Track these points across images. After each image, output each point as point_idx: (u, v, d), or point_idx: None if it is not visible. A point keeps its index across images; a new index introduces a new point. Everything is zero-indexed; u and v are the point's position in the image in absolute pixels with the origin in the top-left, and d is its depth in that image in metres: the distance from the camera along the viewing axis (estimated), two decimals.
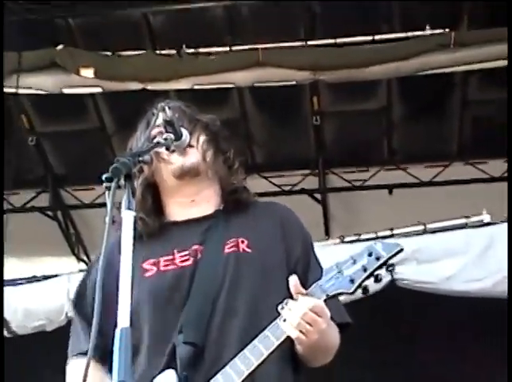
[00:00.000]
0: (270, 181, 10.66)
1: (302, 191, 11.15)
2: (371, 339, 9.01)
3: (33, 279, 9.82)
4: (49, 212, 11.78)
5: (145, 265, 3.19)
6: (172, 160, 3.31)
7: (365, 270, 2.96)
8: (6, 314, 9.26)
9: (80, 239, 12.01)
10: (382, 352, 9.65)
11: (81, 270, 10.48)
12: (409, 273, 8.50)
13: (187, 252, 3.27)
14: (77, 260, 11.93)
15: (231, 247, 3.28)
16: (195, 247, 3.28)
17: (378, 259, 2.97)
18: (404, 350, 9.67)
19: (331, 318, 3.11)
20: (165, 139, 3.11)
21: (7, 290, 9.55)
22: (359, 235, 9.12)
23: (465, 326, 9.27)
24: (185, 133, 3.24)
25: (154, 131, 3.23)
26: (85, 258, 11.94)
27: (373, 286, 3.11)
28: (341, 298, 3.26)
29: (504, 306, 8.41)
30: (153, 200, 3.41)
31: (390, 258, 2.98)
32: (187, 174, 3.35)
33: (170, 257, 3.27)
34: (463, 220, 9.02)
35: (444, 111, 10.61)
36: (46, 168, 11.39)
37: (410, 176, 11.17)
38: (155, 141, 3.12)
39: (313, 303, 2.95)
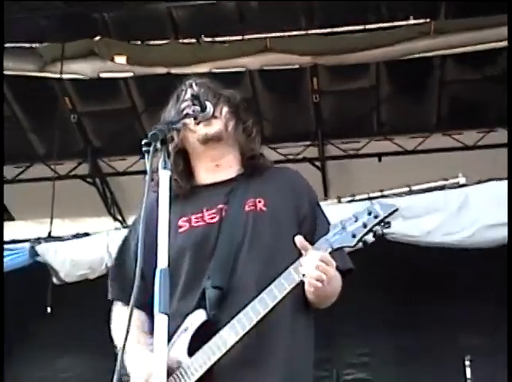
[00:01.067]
0: (277, 151, 10.71)
1: (304, 159, 11.25)
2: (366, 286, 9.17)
3: (77, 236, 10.03)
4: (89, 179, 11.90)
5: (180, 222, 3.23)
6: (198, 129, 3.31)
7: (365, 226, 3.00)
8: (56, 265, 9.46)
9: (115, 202, 12.12)
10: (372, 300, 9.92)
11: (117, 228, 10.70)
12: (397, 228, 8.60)
13: (214, 211, 3.30)
14: (113, 220, 12.02)
15: (250, 206, 3.31)
16: (221, 206, 3.31)
17: (376, 217, 3.01)
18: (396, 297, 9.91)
19: (336, 266, 3.13)
20: (193, 111, 3.15)
21: (56, 245, 9.76)
22: (354, 196, 9.26)
23: (450, 275, 9.49)
24: (209, 105, 3.23)
25: (183, 104, 3.29)
26: (120, 217, 12.09)
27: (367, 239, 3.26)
28: None
29: (480, 257, 8.64)
30: (184, 166, 3.42)
31: (387, 216, 3.03)
32: (210, 140, 3.35)
33: (200, 215, 3.30)
34: (441, 182, 9.11)
35: (424, 89, 10.72)
36: (86, 142, 11.48)
37: (396, 145, 11.27)
38: (184, 112, 3.17)
39: (321, 255, 2.98)
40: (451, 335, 9.16)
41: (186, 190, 3.35)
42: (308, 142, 11.20)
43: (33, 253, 9.53)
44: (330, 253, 3.04)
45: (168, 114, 3.38)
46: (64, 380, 10.40)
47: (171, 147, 3.20)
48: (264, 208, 3.33)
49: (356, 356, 10.56)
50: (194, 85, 3.38)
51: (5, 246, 10.03)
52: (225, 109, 3.41)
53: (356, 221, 3.02)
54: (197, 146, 3.40)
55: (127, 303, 3.15)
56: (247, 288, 3.14)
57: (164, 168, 2.81)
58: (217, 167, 3.44)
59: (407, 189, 9.13)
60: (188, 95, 3.29)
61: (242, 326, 3.03)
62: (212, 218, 3.30)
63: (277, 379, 3.10)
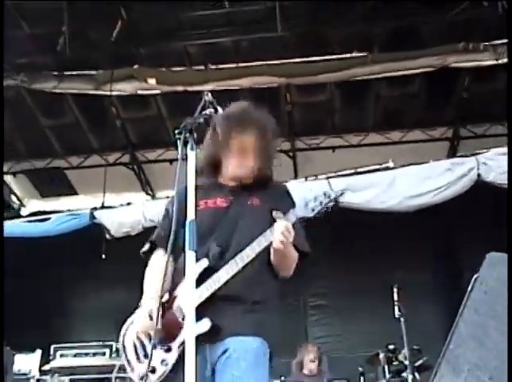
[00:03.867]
0: None
1: (280, 151, 11.10)
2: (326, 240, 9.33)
3: (122, 205, 10.26)
4: (129, 166, 11.94)
5: (199, 202, 3.21)
6: (232, 168, 3.37)
7: (321, 204, 3.14)
8: (108, 225, 9.68)
9: (148, 182, 12.13)
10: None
11: (148, 200, 10.91)
12: (347, 198, 8.82)
13: (224, 200, 3.34)
14: (146, 194, 12.07)
15: (250, 203, 3.34)
16: (231, 198, 3.35)
17: (329, 197, 3.15)
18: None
19: (296, 247, 3.23)
20: (209, 112, 3.08)
21: (108, 211, 10.00)
22: (316, 176, 9.46)
23: (386, 230, 9.76)
24: (220, 110, 3.14)
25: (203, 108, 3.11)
26: (151, 193, 12.12)
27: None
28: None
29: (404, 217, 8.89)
30: (213, 169, 3.44)
31: (336, 198, 3.16)
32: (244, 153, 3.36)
33: (214, 200, 3.34)
34: (377, 166, 9.29)
35: (364, 101, 10.75)
36: (127, 139, 11.50)
37: (345, 141, 11.34)
38: (203, 113, 3.08)
39: (285, 224, 3.03)
40: (386, 272, 9.31)
41: (211, 185, 3.36)
42: (283, 139, 11.04)
43: (92, 217, 9.78)
44: (294, 224, 3.11)
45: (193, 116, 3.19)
46: (108, 310, 10.41)
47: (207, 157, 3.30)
48: (258, 204, 3.35)
49: (318, 288, 10.80)
50: (209, 95, 3.20)
51: (72, 212, 10.28)
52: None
53: (315, 201, 3.15)
54: (235, 153, 3.38)
55: (162, 246, 3.38)
56: (239, 249, 3.17)
57: (192, 149, 2.90)
58: (236, 177, 3.42)
59: (353, 171, 9.27)
60: (206, 101, 3.15)
61: (232, 269, 3.12)
62: (222, 203, 3.35)
63: (246, 308, 3.14)
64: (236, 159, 3.41)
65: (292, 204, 3.35)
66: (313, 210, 3.15)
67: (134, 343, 3.25)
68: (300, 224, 3.31)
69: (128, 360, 3.28)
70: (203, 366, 3.05)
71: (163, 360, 3.12)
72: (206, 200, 3.32)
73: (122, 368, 7.35)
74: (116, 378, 7.36)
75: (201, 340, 2.97)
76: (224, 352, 3.06)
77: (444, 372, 2.48)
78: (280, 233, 3.06)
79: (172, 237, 2.86)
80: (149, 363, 3.03)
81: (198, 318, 2.98)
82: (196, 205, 3.01)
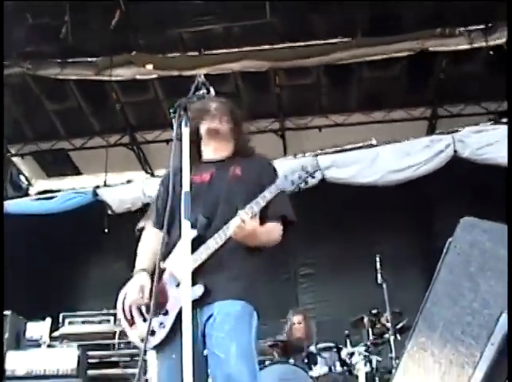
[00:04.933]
0: (253, 125, 10.30)
1: (271, 130, 11.27)
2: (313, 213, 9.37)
3: (123, 183, 10.28)
4: (129, 146, 11.93)
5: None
6: (205, 125, 3.45)
7: (299, 177, 3.16)
8: (110, 202, 9.70)
9: (146, 161, 12.13)
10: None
11: (148, 178, 10.92)
12: (332, 174, 8.90)
13: (207, 173, 3.37)
14: (145, 173, 12.07)
15: (232, 172, 3.38)
16: (213, 170, 3.38)
17: (307, 172, 3.17)
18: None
19: (281, 216, 3.31)
20: (202, 93, 3.10)
21: (109, 189, 10.02)
22: (304, 153, 9.48)
23: (371, 203, 9.80)
24: (212, 90, 3.14)
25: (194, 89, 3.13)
26: (149, 171, 12.11)
27: (311, 181, 3.43)
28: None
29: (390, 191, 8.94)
30: (197, 150, 3.48)
31: (313, 173, 3.17)
32: (211, 132, 3.47)
33: (199, 176, 3.33)
34: (361, 144, 9.30)
35: (348, 84, 10.72)
36: (126, 121, 11.49)
37: (331, 120, 11.31)
38: (196, 93, 3.08)
39: (241, 216, 3.08)
40: (369, 242, 9.35)
41: (195, 164, 3.25)
42: (273, 119, 11.21)
43: (95, 194, 9.82)
44: (277, 195, 3.17)
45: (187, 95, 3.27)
46: (111, 280, 10.43)
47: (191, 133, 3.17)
48: (239, 173, 3.39)
49: (307, 258, 10.87)
50: (202, 77, 3.22)
51: (76, 190, 10.29)
52: (225, 116, 3.48)
53: (294, 174, 3.16)
54: (205, 135, 3.49)
55: (154, 224, 3.46)
56: (224, 219, 3.19)
57: (186, 126, 2.95)
58: (216, 150, 3.50)
59: (339, 148, 9.26)
60: (199, 82, 3.16)
61: (220, 239, 3.15)
62: (206, 177, 3.37)
63: (231, 276, 3.17)
64: (210, 144, 3.51)
65: (275, 176, 3.35)
66: (293, 183, 3.15)
67: (131, 310, 3.27)
68: (284, 193, 3.30)
69: (129, 325, 3.30)
70: (194, 330, 3.04)
71: (161, 323, 3.16)
72: (191, 177, 3.16)
73: (123, 334, 7.42)
74: (119, 343, 7.42)
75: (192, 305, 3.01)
76: (210, 316, 3.10)
77: (421, 327, 2.54)
78: (232, 231, 3.11)
79: (167, 213, 2.89)
80: (149, 328, 3.02)
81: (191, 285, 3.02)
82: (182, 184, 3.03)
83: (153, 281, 3.13)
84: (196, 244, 3.13)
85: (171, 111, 2.98)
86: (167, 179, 3.37)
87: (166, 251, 3.23)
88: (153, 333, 3.16)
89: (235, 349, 3.00)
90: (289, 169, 3.42)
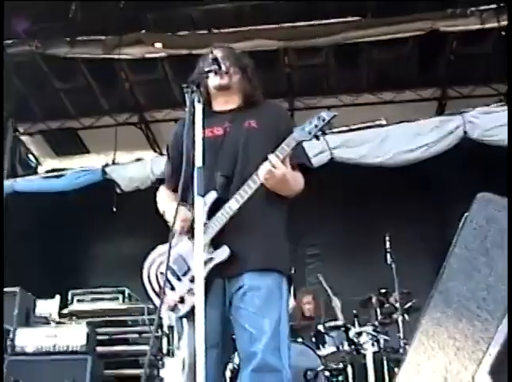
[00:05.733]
0: None
1: None
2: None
3: (131, 162, 10.28)
4: (138, 125, 11.91)
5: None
6: (214, 80, 3.32)
7: (316, 126, 3.03)
8: (118, 180, 9.71)
9: (155, 140, 12.13)
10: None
11: (156, 157, 10.89)
12: (342, 154, 8.87)
13: (220, 127, 3.31)
14: (153, 151, 12.05)
15: (247, 124, 3.32)
16: (226, 125, 3.32)
17: (323, 120, 3.03)
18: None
19: (301, 164, 3.28)
20: (213, 68, 3.18)
21: (118, 167, 10.01)
22: None
23: (378, 184, 9.78)
24: (223, 65, 3.23)
25: (208, 63, 3.21)
26: (158, 150, 12.08)
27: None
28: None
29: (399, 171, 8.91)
30: (207, 101, 3.36)
31: (330, 120, 3.04)
32: (220, 88, 3.38)
33: (210, 129, 3.28)
34: (370, 123, 9.22)
35: (358, 64, 10.61)
36: (135, 100, 11.45)
37: (340, 101, 11.20)
38: (207, 69, 3.18)
39: (272, 161, 3.01)
40: (378, 222, 9.28)
41: (206, 115, 3.08)
42: (282, 99, 11.06)
43: (104, 173, 9.83)
44: (296, 147, 3.08)
45: (198, 69, 3.34)
46: (119, 258, 10.65)
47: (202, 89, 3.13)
48: (255, 126, 3.33)
49: (314, 239, 10.87)
50: (214, 51, 3.33)
51: (85, 168, 10.31)
52: (234, 67, 3.40)
53: (311, 124, 3.05)
54: (213, 90, 3.41)
55: (168, 186, 3.50)
56: (244, 176, 3.13)
57: (199, 102, 2.95)
58: (226, 103, 3.44)
59: (348, 128, 9.21)
60: (210, 58, 3.23)
61: (241, 197, 3.06)
62: (218, 131, 3.31)
63: (258, 237, 3.11)
64: (219, 96, 3.46)
65: (292, 125, 3.31)
66: (309, 133, 3.05)
67: (157, 277, 3.25)
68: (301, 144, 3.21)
69: (155, 293, 3.27)
70: (222, 300, 3.11)
71: (190, 290, 3.11)
72: (203, 131, 3.15)
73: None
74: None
75: (219, 273, 3.06)
76: (240, 287, 3.07)
77: (436, 302, 2.53)
78: (263, 176, 3.04)
79: (181, 179, 2.86)
80: (164, 287, 3.07)
81: (216, 247, 3.06)
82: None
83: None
84: (217, 206, 3.11)
85: (184, 86, 2.95)
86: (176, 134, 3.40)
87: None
88: (182, 300, 3.14)
89: (268, 327, 2.98)
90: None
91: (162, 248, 3.29)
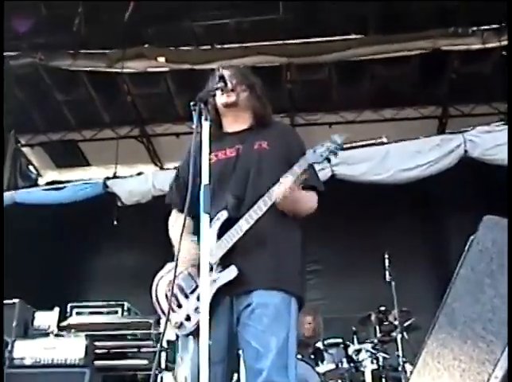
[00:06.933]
0: None
1: None
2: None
3: (132, 175, 10.29)
4: (139, 139, 11.94)
5: (211, 156, 3.05)
6: (221, 99, 3.35)
7: (328, 148, 3.05)
8: (120, 193, 9.71)
9: (156, 154, 12.13)
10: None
11: (157, 171, 10.93)
12: (342, 170, 8.87)
13: (233, 149, 3.32)
14: (154, 165, 12.08)
15: (258, 146, 3.33)
16: (238, 146, 3.33)
17: (335, 142, 3.05)
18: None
19: (312, 186, 3.27)
20: (220, 86, 3.18)
21: (119, 181, 10.02)
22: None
23: (376, 202, 9.78)
24: (229, 82, 3.24)
25: (215, 82, 3.22)
26: (159, 164, 12.12)
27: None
28: None
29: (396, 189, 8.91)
30: (217, 121, 3.40)
31: (341, 143, 3.06)
32: (227, 105, 3.40)
33: (223, 151, 3.32)
34: (371, 141, 9.27)
35: (360, 81, 10.62)
36: (137, 114, 11.47)
37: (341, 117, 11.26)
38: (215, 86, 3.17)
39: (283, 182, 3.01)
40: (378, 240, 9.29)
41: (217, 136, 3.25)
42: (284, 115, 11.12)
43: (105, 186, 9.84)
44: (307, 169, 3.07)
45: (206, 87, 3.30)
46: (119, 272, 10.62)
47: (210, 108, 3.14)
48: (267, 147, 3.33)
49: (314, 254, 10.78)
50: (221, 69, 3.33)
51: (86, 181, 10.32)
52: (241, 85, 3.40)
53: (322, 146, 3.06)
54: (222, 108, 3.42)
55: (179, 209, 3.39)
56: (255, 197, 3.11)
57: (206, 120, 2.95)
58: (235, 122, 3.45)
59: (348, 145, 9.21)
60: (217, 76, 3.23)
61: (252, 218, 3.05)
62: (231, 153, 3.32)
63: (267, 258, 3.10)
64: (228, 115, 3.47)
65: (303, 148, 3.32)
66: (321, 156, 3.06)
67: (166, 294, 3.24)
68: (312, 166, 3.21)
69: (162, 310, 3.28)
70: (230, 317, 3.10)
71: (196, 308, 3.09)
72: (216, 153, 3.25)
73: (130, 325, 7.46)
74: (127, 334, 7.40)
75: (227, 291, 3.05)
76: (248, 305, 3.05)
77: (441, 323, 2.54)
78: (275, 198, 3.05)
79: (188, 198, 2.84)
80: (169, 309, 3.08)
81: (225, 267, 3.06)
82: (211, 158, 3.07)
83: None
84: (228, 226, 3.11)
85: (191, 104, 2.96)
86: (186, 165, 3.30)
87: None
88: (188, 318, 3.14)
89: (275, 345, 2.97)
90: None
91: (171, 265, 3.28)
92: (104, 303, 8.25)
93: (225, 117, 3.49)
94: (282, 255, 3.18)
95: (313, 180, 3.33)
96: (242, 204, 3.17)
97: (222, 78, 3.23)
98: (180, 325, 3.16)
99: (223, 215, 3.14)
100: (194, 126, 2.92)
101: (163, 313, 3.27)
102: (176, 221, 3.41)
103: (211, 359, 2.59)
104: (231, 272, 3.04)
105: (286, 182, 3.03)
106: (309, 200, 3.29)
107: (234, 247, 3.10)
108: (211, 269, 3.05)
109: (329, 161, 3.11)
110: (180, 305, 3.19)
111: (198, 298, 3.08)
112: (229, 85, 3.27)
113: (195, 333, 2.95)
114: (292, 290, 3.14)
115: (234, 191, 3.22)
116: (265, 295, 3.06)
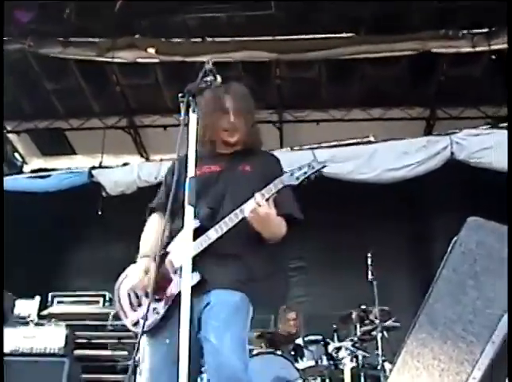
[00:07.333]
0: None
1: (269, 122, 11.13)
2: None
3: (118, 166, 10.26)
4: (126, 130, 11.84)
5: (197, 170, 3.04)
6: (224, 136, 3.48)
7: (305, 173, 3.12)
8: (104, 184, 9.70)
9: (142, 145, 12.05)
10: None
11: (143, 162, 10.89)
12: (328, 168, 8.86)
13: (217, 165, 3.45)
14: (140, 156, 12.01)
15: (241, 167, 3.45)
16: (224, 164, 3.45)
17: (313, 168, 3.12)
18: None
19: (287, 214, 3.33)
20: (209, 79, 3.10)
21: (105, 171, 9.99)
22: (301, 146, 9.48)
23: (363, 200, 9.80)
24: (219, 77, 3.14)
25: (203, 75, 3.12)
26: (145, 155, 12.05)
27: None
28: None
29: (382, 189, 8.93)
30: (213, 143, 3.51)
31: (319, 170, 3.14)
32: (229, 145, 3.52)
33: (208, 167, 3.43)
34: (358, 140, 9.35)
35: (350, 79, 10.56)
36: (125, 104, 11.38)
37: (329, 115, 11.23)
38: (204, 79, 3.09)
39: (256, 197, 3.09)
40: (361, 239, 9.28)
41: (204, 155, 3.35)
42: (272, 111, 11.12)
43: (90, 175, 9.84)
44: (283, 188, 3.15)
45: (195, 81, 3.22)
46: (101, 262, 10.47)
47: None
48: (249, 170, 3.45)
49: (298, 251, 10.85)
50: (209, 64, 3.22)
51: (71, 170, 10.28)
52: (240, 117, 3.48)
53: (300, 170, 3.14)
54: (219, 139, 3.51)
55: (159, 210, 3.50)
56: (229, 210, 3.21)
57: (193, 112, 2.96)
58: (227, 143, 3.53)
59: (335, 143, 9.26)
60: (206, 68, 3.15)
61: (221, 229, 3.17)
62: (215, 168, 3.45)
63: (229, 266, 3.21)
64: (222, 137, 3.52)
65: (281, 174, 3.31)
66: (298, 179, 3.12)
67: (129, 293, 3.35)
68: (290, 191, 3.32)
69: (122, 309, 3.39)
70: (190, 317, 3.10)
71: (154, 309, 3.23)
72: (200, 167, 3.27)
73: (115, 317, 7.42)
74: (111, 325, 7.41)
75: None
76: (208, 303, 3.14)
77: (422, 323, 2.56)
78: (247, 212, 3.12)
79: (170, 200, 2.91)
80: (147, 312, 3.08)
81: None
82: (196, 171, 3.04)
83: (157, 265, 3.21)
84: (198, 234, 3.16)
85: (179, 95, 2.98)
86: (173, 166, 3.39)
87: (169, 238, 3.32)
88: (146, 317, 3.17)
89: (229, 339, 3.05)
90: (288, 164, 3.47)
91: (131, 267, 3.38)
92: (85, 293, 8.26)
93: (218, 137, 3.55)
94: (248, 264, 3.28)
95: (289, 207, 3.41)
96: (217, 216, 3.27)
97: (211, 71, 3.19)
98: (136, 323, 3.31)
99: (195, 224, 3.15)
100: (181, 120, 2.95)
101: (122, 311, 3.40)
102: (152, 223, 3.52)
103: (171, 359, 2.73)
104: (194, 278, 3.06)
105: (258, 198, 3.11)
106: (278, 225, 3.32)
107: (200, 255, 3.15)
108: (175, 272, 3.25)
109: (303, 185, 3.16)
110: (140, 304, 3.31)
111: (157, 300, 3.25)
112: (218, 79, 3.20)
113: (152, 333, 3.22)
114: (250, 294, 3.25)
115: (210, 203, 3.31)
116: (225, 294, 3.18)
